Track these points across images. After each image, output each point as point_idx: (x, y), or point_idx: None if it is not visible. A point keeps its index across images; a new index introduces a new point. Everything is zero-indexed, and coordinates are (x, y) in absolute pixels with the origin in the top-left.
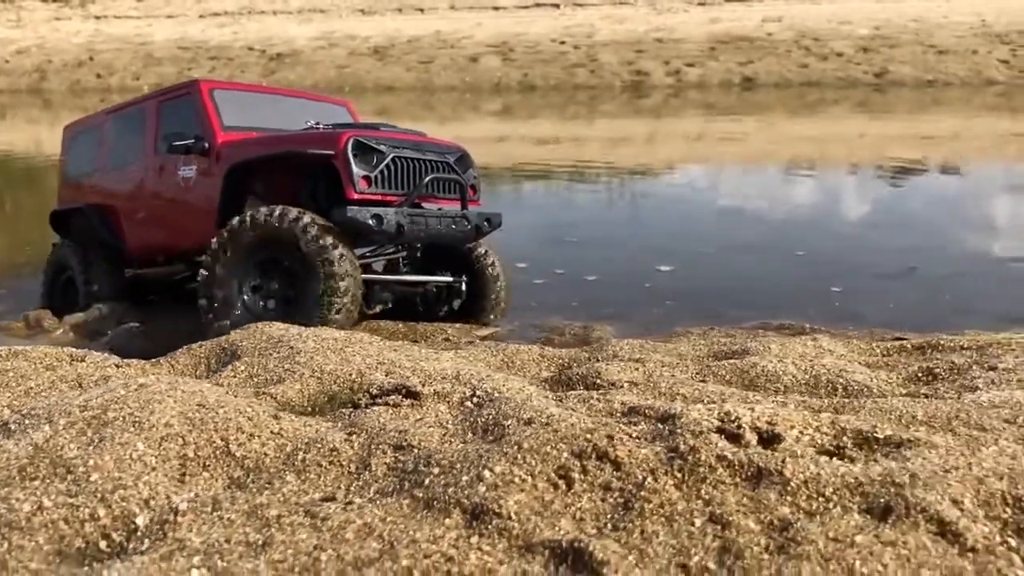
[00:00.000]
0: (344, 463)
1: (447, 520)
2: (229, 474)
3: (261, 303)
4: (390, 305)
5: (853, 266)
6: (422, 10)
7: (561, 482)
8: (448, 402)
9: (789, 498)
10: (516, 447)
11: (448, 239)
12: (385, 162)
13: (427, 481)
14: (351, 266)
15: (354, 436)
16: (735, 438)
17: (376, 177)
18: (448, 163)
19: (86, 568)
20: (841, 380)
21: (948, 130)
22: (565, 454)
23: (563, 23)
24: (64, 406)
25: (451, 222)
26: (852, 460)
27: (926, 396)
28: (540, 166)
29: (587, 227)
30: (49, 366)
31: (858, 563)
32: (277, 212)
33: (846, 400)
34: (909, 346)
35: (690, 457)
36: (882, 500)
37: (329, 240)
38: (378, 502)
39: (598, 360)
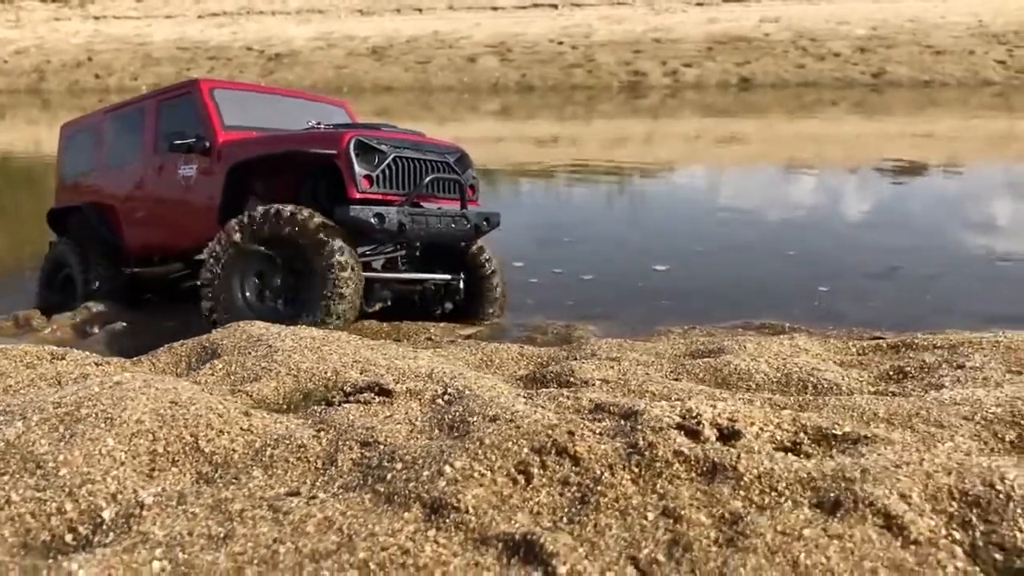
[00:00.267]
0: (311, 459)
1: (406, 514)
2: (197, 469)
3: (263, 301)
4: (389, 303)
5: (842, 266)
6: (420, 10)
7: (520, 477)
8: (420, 400)
9: (742, 492)
10: (478, 443)
11: (448, 238)
12: (386, 162)
13: (389, 476)
14: (353, 264)
15: (323, 433)
16: (694, 434)
17: (377, 176)
18: (448, 163)
19: (50, 560)
20: (812, 378)
21: (945, 131)
22: (525, 449)
23: (561, 23)
24: (39, 403)
25: (451, 221)
26: (808, 456)
27: (893, 394)
28: (539, 166)
29: (585, 227)
30: (29, 364)
31: (803, 555)
32: (279, 210)
33: (814, 398)
34: (884, 345)
35: (647, 452)
36: (832, 495)
37: (331, 238)
38: (341, 497)
39: (575, 359)
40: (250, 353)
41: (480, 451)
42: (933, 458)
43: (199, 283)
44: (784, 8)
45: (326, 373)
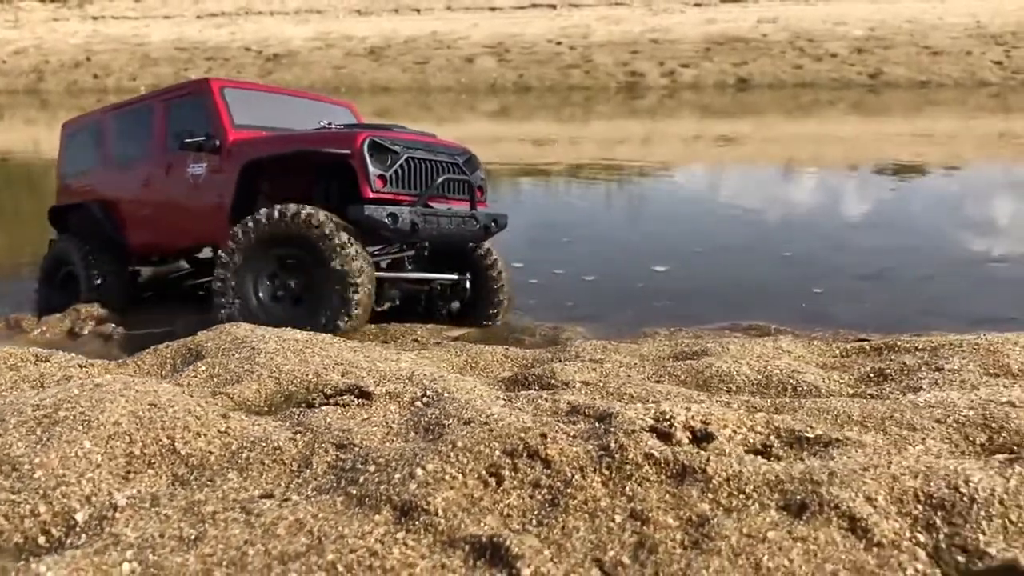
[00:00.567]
0: (287, 461)
1: (377, 516)
2: (173, 471)
3: (276, 301)
4: (397, 303)
5: (836, 267)
6: (418, 11)
7: (492, 480)
8: (399, 402)
9: (710, 495)
10: (451, 445)
11: (458, 239)
12: (399, 162)
13: (362, 479)
14: (366, 264)
15: (299, 435)
16: (666, 437)
17: (391, 177)
18: (457, 164)
19: (19, 563)
20: (792, 381)
21: (942, 132)
22: (497, 452)
23: (559, 24)
24: (18, 405)
25: (461, 222)
26: (779, 459)
27: (872, 396)
28: (538, 166)
29: (585, 227)
30: (13, 366)
31: (766, 558)
32: (294, 210)
33: (792, 400)
34: (868, 347)
35: (618, 455)
36: (799, 497)
37: (345, 238)
38: (313, 499)
39: (559, 361)
40: (233, 355)
41: (452, 454)
42: (901, 461)
43: (213, 282)
44: (782, 9)
45: (307, 375)
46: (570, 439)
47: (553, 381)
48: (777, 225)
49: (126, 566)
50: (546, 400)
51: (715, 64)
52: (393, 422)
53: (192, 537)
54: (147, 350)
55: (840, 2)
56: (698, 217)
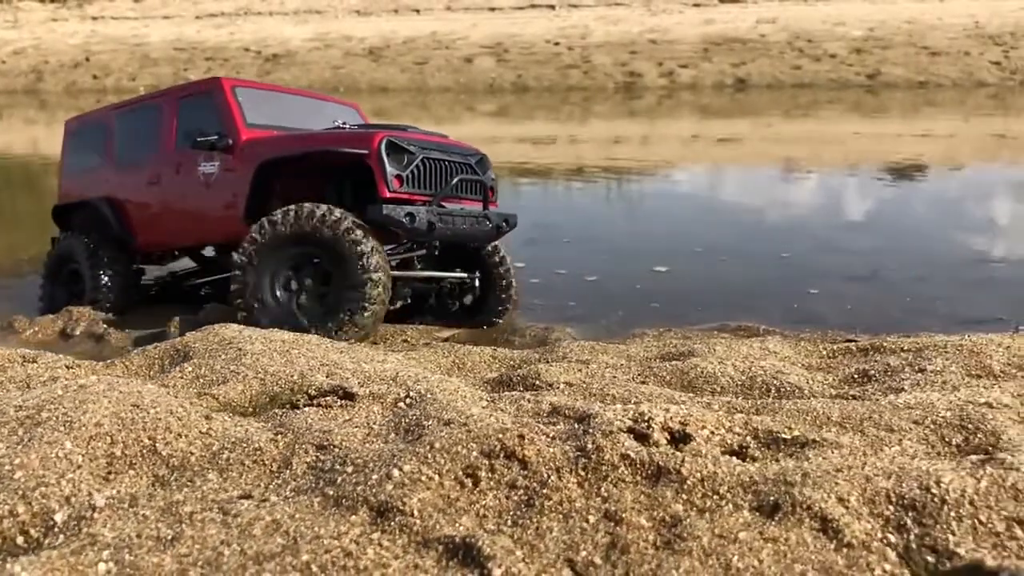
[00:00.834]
0: (267, 462)
1: (353, 517)
2: (154, 472)
3: (293, 300)
4: (408, 301)
5: (831, 268)
6: (418, 11)
7: (468, 480)
8: (382, 403)
9: (684, 496)
10: (429, 447)
11: (471, 238)
12: (415, 162)
13: (340, 480)
14: (383, 263)
15: (280, 436)
16: (644, 438)
17: (407, 176)
18: (470, 164)
19: None
20: (776, 382)
21: (940, 132)
22: (475, 453)
23: (558, 24)
24: (1, 406)
25: (475, 222)
26: (754, 459)
27: (854, 397)
28: (538, 167)
29: (586, 227)
30: (0, 367)
31: (736, 558)
32: (312, 210)
33: (775, 401)
34: (854, 348)
35: (595, 456)
36: (772, 498)
37: (363, 238)
38: (291, 500)
39: (545, 362)
40: (220, 356)
41: (429, 455)
42: (875, 462)
43: (231, 281)
44: (781, 9)
45: (292, 376)
46: (548, 440)
47: (538, 382)
48: (775, 226)
49: (102, 566)
50: (529, 401)
51: (713, 65)
52: (375, 423)
53: (169, 537)
54: (135, 351)
55: (839, 2)
56: (698, 217)
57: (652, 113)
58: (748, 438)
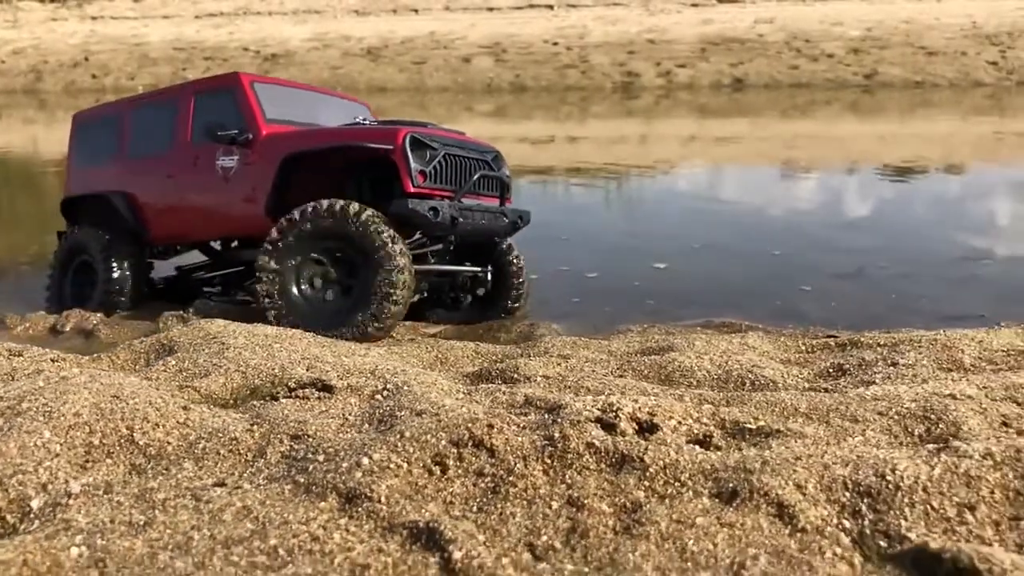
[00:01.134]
0: (242, 451)
1: (322, 503)
2: (131, 461)
3: (317, 294)
4: (425, 294)
5: (821, 266)
6: (416, 11)
7: (436, 468)
8: (359, 395)
9: (646, 483)
10: (399, 435)
11: (490, 233)
12: (437, 158)
13: (311, 467)
14: (407, 258)
15: (256, 427)
16: (611, 427)
17: (430, 172)
18: (487, 161)
19: None
20: (751, 375)
21: (936, 133)
22: (443, 442)
23: (556, 24)
24: None
25: (493, 217)
26: (718, 448)
27: (826, 390)
28: (537, 166)
29: (586, 226)
30: None
31: (691, 542)
32: (338, 205)
33: (746, 393)
34: (832, 343)
35: (561, 444)
36: (731, 485)
37: (388, 233)
38: (263, 487)
39: (528, 356)
40: (203, 350)
41: (399, 443)
42: (836, 451)
43: (256, 275)
44: (779, 9)
45: (273, 370)
46: (518, 429)
47: (516, 375)
48: (769, 224)
49: (74, 550)
50: (504, 393)
51: (711, 64)
52: (350, 414)
53: (141, 522)
54: (121, 345)
55: (837, 2)
56: (696, 216)
57: (650, 113)
58: (714, 428)
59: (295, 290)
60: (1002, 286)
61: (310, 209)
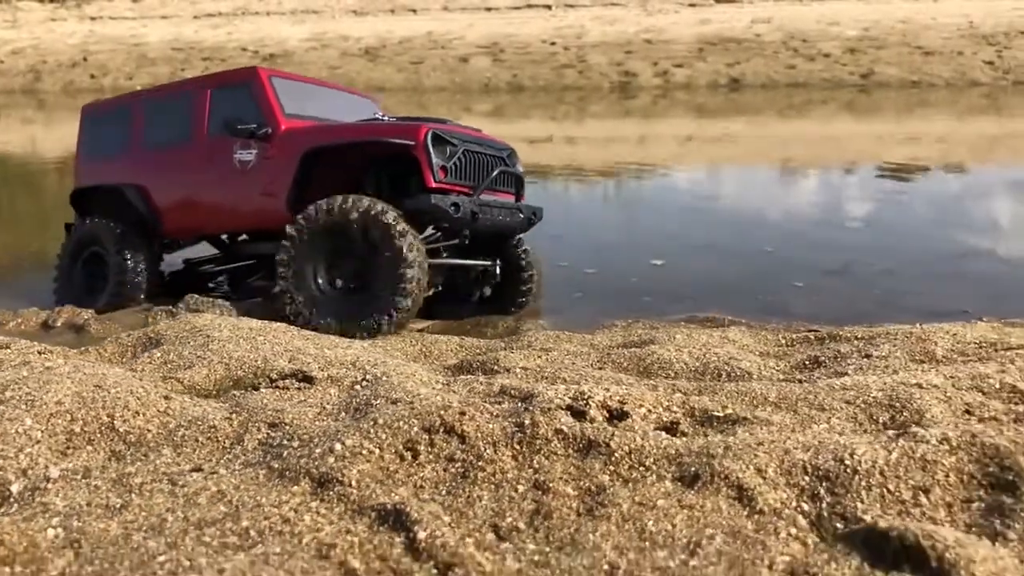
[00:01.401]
0: (220, 439)
1: (295, 487)
2: (112, 448)
3: (334, 287)
4: (439, 288)
5: (815, 263)
6: (415, 11)
7: (408, 454)
8: (339, 385)
9: (611, 467)
10: (372, 422)
11: (507, 228)
12: (457, 154)
13: (285, 453)
14: (420, 253)
15: (235, 415)
16: (581, 415)
17: (450, 168)
18: (503, 158)
19: None
20: (727, 367)
21: (932, 132)
22: (416, 428)
23: (554, 24)
24: None
25: (509, 213)
26: (684, 434)
27: (800, 381)
28: (536, 165)
29: (586, 223)
30: None
31: (651, 523)
32: (352, 201)
33: (719, 384)
34: (812, 337)
35: (530, 431)
36: (693, 469)
37: (401, 228)
38: (238, 472)
39: (511, 349)
40: (188, 343)
41: (372, 430)
42: (799, 437)
43: (276, 268)
44: (777, 9)
45: (256, 361)
46: (490, 417)
47: (496, 367)
48: (764, 222)
49: (51, 531)
50: (481, 384)
51: (708, 64)
52: (328, 403)
53: (117, 505)
54: (108, 339)
55: (834, 2)
56: (693, 214)
57: (647, 112)
58: (683, 416)
59: (312, 285)
60: (988, 283)
61: (326, 205)
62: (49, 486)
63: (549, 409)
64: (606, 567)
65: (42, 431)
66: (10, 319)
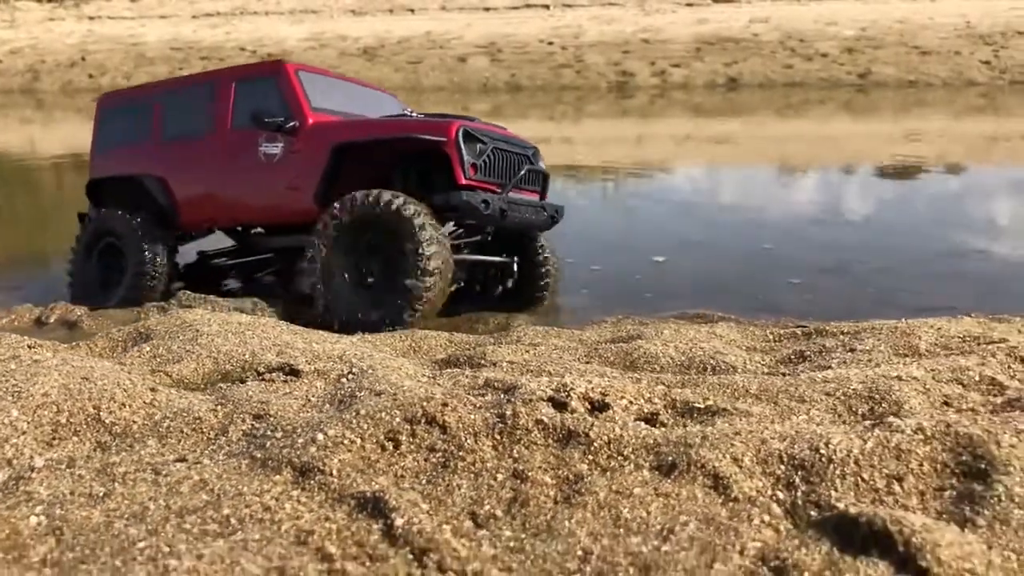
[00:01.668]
0: (205, 430)
1: (276, 476)
2: (97, 439)
3: (361, 281)
4: (462, 284)
5: (813, 261)
6: (413, 11)
7: (389, 444)
8: (325, 378)
9: (590, 457)
10: (354, 413)
11: (532, 226)
12: (487, 152)
13: (268, 444)
14: (443, 248)
15: (220, 407)
16: (562, 406)
17: (480, 165)
18: (528, 156)
19: None
20: (712, 361)
21: (929, 132)
22: (397, 419)
23: (552, 24)
24: None
25: (535, 211)
26: (663, 425)
27: (784, 375)
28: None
29: (588, 222)
30: None
31: (626, 510)
32: (376, 195)
33: (703, 377)
34: (799, 332)
35: (511, 421)
36: (671, 458)
37: (424, 222)
38: (222, 462)
39: (499, 344)
40: (177, 337)
41: (354, 420)
42: (777, 427)
43: (304, 260)
44: (774, 8)
45: (244, 355)
46: (472, 408)
47: (483, 361)
48: (762, 220)
49: (33, 519)
50: (467, 377)
51: (706, 64)
52: (313, 395)
53: (101, 494)
54: (99, 334)
55: (832, 2)
56: (692, 212)
57: (644, 112)
58: (663, 407)
59: (340, 276)
60: (982, 281)
61: (352, 199)
62: (33, 475)
63: (531, 400)
64: (580, 552)
65: (28, 422)
66: (3, 316)
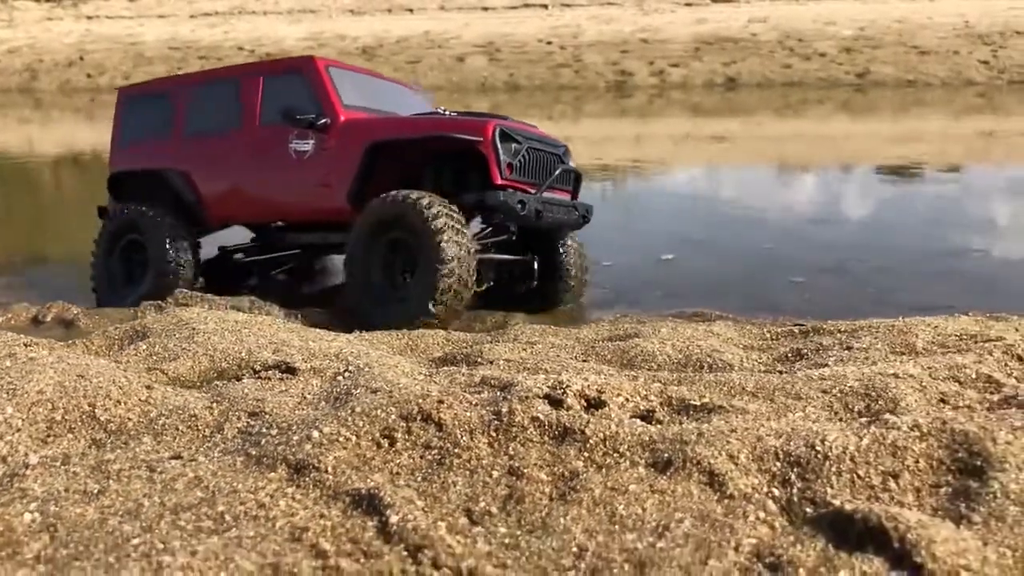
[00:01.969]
0: (201, 427)
1: (271, 474)
2: (92, 436)
3: (392, 279)
4: (491, 283)
5: (814, 260)
6: (411, 10)
7: (385, 441)
8: (321, 376)
9: (586, 454)
10: (350, 411)
11: (565, 226)
12: (522, 152)
13: (263, 441)
14: (465, 248)
15: (216, 404)
16: (558, 403)
17: (516, 165)
18: (559, 156)
19: None
20: (709, 359)
21: (927, 132)
22: (393, 416)
23: (550, 23)
24: None
25: (566, 211)
26: (659, 422)
27: (781, 372)
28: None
29: (596, 219)
30: None
31: (621, 507)
32: (403, 195)
33: (699, 374)
34: (796, 331)
35: (506, 418)
36: (666, 455)
37: (448, 220)
38: (217, 459)
39: (496, 342)
40: (174, 335)
41: (350, 418)
42: (773, 424)
43: (345, 259)
44: (773, 8)
45: (240, 353)
46: (468, 405)
47: (480, 359)
48: (762, 220)
49: (27, 516)
50: (463, 374)
51: (704, 64)
52: (309, 393)
53: (95, 491)
54: (96, 332)
55: (830, 1)
56: (694, 212)
57: (643, 112)
58: (659, 405)
59: (372, 275)
60: (981, 280)
61: (383, 199)
62: (28, 472)
63: (527, 397)
64: (575, 549)
65: (23, 419)
66: (0, 314)
